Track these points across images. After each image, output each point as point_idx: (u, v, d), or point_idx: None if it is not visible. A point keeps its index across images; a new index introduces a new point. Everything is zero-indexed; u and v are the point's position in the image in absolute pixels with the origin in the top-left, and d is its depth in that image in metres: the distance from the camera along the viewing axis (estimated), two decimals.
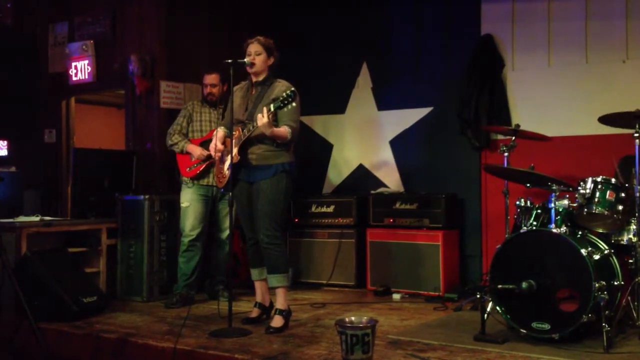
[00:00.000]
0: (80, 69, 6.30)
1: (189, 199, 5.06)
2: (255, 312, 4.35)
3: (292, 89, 4.04)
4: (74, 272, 4.83)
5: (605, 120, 4.00)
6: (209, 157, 4.98)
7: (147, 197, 5.19)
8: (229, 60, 4.15)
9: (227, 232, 5.09)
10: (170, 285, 5.14)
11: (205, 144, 5.06)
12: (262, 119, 3.93)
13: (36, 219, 5.05)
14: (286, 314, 4.14)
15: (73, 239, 5.21)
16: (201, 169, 5.06)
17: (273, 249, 4.11)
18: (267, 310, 4.38)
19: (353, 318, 3.34)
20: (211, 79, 5.20)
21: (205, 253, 5.13)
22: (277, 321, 4.10)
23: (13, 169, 5.78)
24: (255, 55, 4.19)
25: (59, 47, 6.56)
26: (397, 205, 5.57)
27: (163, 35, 5.88)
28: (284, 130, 4.08)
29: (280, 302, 4.15)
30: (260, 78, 4.25)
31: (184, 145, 5.12)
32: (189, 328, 4.09)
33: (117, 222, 5.32)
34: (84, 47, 6.28)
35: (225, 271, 5.20)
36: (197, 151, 5.08)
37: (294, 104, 4.01)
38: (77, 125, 6.75)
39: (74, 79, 6.35)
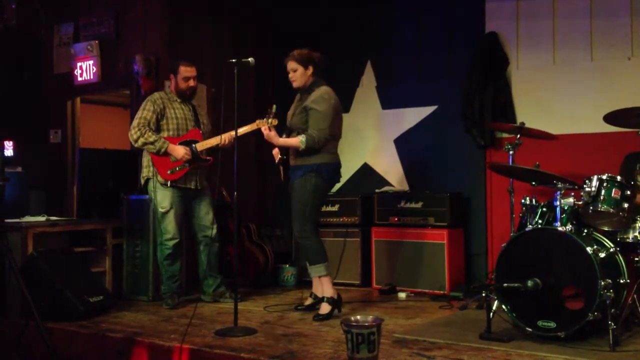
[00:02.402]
0: (86, 69, 6.31)
1: (169, 202, 4.85)
2: (308, 301, 4.67)
3: (309, 103, 4.37)
4: (80, 272, 4.83)
5: (610, 118, 3.99)
6: (196, 158, 4.87)
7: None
8: (233, 60, 4.17)
9: (214, 230, 4.99)
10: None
11: (185, 145, 4.87)
12: (264, 131, 4.41)
13: (42, 219, 5.07)
14: (332, 301, 4.42)
15: (79, 239, 5.22)
16: (186, 171, 4.88)
17: (304, 243, 4.47)
18: (320, 300, 4.55)
19: (358, 317, 3.34)
20: (193, 70, 4.93)
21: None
22: (323, 308, 4.42)
23: (19, 169, 5.79)
24: (292, 72, 4.48)
25: (64, 47, 6.57)
26: (402, 204, 5.57)
27: (167, 35, 5.89)
28: (294, 140, 4.39)
29: (325, 290, 4.46)
30: (306, 87, 4.49)
31: (162, 145, 4.79)
32: (195, 327, 4.10)
33: (122, 222, 5.32)
34: (89, 47, 6.29)
35: (219, 269, 5.18)
36: (180, 152, 4.80)
37: (323, 110, 4.35)
38: (83, 126, 6.77)
39: (79, 79, 6.36)
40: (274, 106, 4.45)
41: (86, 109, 7.15)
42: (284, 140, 4.48)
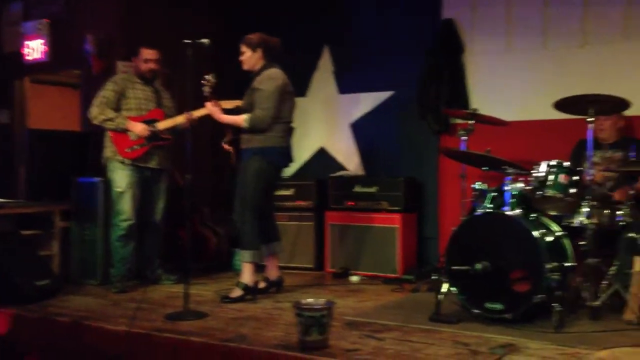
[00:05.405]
0: (35, 48, 6.17)
1: (127, 183, 4.84)
2: (261, 284, 4.62)
3: (255, 84, 4.41)
4: (27, 255, 4.74)
5: (560, 105, 4.04)
6: (154, 136, 4.87)
7: (102, 179, 5.06)
8: (188, 41, 4.11)
9: (162, 215, 5.06)
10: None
11: (146, 123, 4.89)
12: (207, 105, 4.45)
13: None
14: (245, 287, 4.42)
15: (26, 222, 5.11)
16: (145, 150, 4.88)
17: (239, 227, 4.48)
18: (272, 284, 4.66)
19: (310, 300, 3.35)
20: (154, 54, 5.00)
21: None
22: (233, 292, 4.43)
23: None
24: (242, 55, 4.51)
25: (13, 26, 6.39)
26: (357, 188, 5.59)
27: (121, 15, 5.78)
28: (238, 118, 4.40)
29: (243, 277, 4.45)
30: (256, 70, 4.50)
31: (121, 121, 4.84)
32: (144, 311, 4.05)
33: (71, 205, 5.21)
34: (38, 26, 6.14)
35: (159, 254, 5.16)
36: (139, 128, 4.84)
37: (267, 90, 4.34)
38: (32, 106, 6.60)
39: (28, 58, 6.21)
40: (212, 75, 4.38)
41: (36, 89, 6.97)
42: (227, 117, 4.46)
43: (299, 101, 6.23)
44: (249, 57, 4.50)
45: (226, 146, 4.70)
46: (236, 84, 4.73)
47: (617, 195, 4.15)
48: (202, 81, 4.38)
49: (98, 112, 4.85)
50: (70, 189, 5.23)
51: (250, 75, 4.55)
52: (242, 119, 4.37)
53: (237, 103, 4.62)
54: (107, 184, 4.98)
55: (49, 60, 6.11)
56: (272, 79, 4.41)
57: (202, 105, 4.65)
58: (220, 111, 4.46)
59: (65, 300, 4.51)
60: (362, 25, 6.06)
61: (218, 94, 4.51)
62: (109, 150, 4.92)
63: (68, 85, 8.06)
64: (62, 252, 5.20)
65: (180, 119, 4.83)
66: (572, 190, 3.87)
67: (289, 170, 6.30)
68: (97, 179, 5.09)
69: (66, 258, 5.22)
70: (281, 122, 4.48)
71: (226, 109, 4.55)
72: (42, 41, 6.13)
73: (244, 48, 4.51)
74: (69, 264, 5.22)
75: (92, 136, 5.46)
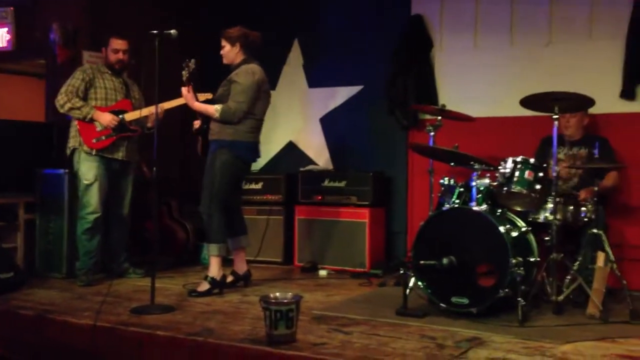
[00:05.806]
0: None
1: (94, 175, 4.77)
2: (229, 278, 4.61)
3: (232, 76, 4.39)
4: None
5: (525, 102, 4.09)
6: (121, 127, 4.81)
7: (67, 171, 4.99)
8: (154, 31, 4.06)
9: (128, 208, 5.02)
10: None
11: (114, 114, 4.84)
12: (182, 90, 4.39)
13: None
14: (213, 281, 4.40)
15: None
16: (112, 141, 4.82)
17: (206, 220, 4.44)
18: (240, 278, 4.65)
19: (278, 294, 3.35)
20: (123, 44, 4.94)
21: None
22: (201, 286, 4.42)
23: None
24: (222, 49, 4.50)
25: None
26: (326, 182, 5.60)
27: (87, 4, 5.67)
28: (210, 107, 4.38)
29: (210, 270, 4.44)
30: (236, 64, 4.49)
31: (88, 111, 4.77)
32: (109, 305, 4.01)
33: (35, 196, 5.12)
34: (3, 14, 5.99)
35: (126, 247, 5.11)
36: (107, 118, 4.77)
37: (244, 83, 4.32)
38: None
39: None
40: (192, 60, 4.33)
41: None
42: (199, 105, 4.43)
43: None
44: (228, 51, 4.48)
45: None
46: (204, 75, 4.70)
47: (582, 195, 4.23)
48: (183, 64, 4.34)
49: (65, 101, 4.77)
50: (34, 180, 5.14)
51: (230, 68, 4.51)
52: (214, 109, 4.35)
53: (208, 96, 4.60)
54: (73, 176, 4.91)
55: (14, 49, 5.96)
56: (250, 73, 4.39)
57: (169, 98, 4.61)
58: (194, 98, 4.42)
59: (29, 293, 4.45)
60: (332, 19, 6.06)
61: (195, 82, 4.47)
62: (75, 140, 4.84)
63: (33, 75, 7.91)
64: (26, 245, 5.13)
65: (148, 110, 4.78)
66: (537, 187, 3.94)
67: (258, 164, 6.29)
68: (62, 171, 5.03)
69: (30, 251, 5.15)
70: (253, 118, 4.46)
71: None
72: (6, 29, 5.98)
73: (223, 42, 4.50)
74: (34, 256, 5.14)
75: (57, 126, 5.38)
